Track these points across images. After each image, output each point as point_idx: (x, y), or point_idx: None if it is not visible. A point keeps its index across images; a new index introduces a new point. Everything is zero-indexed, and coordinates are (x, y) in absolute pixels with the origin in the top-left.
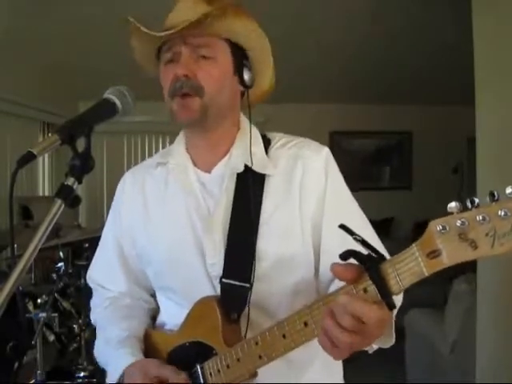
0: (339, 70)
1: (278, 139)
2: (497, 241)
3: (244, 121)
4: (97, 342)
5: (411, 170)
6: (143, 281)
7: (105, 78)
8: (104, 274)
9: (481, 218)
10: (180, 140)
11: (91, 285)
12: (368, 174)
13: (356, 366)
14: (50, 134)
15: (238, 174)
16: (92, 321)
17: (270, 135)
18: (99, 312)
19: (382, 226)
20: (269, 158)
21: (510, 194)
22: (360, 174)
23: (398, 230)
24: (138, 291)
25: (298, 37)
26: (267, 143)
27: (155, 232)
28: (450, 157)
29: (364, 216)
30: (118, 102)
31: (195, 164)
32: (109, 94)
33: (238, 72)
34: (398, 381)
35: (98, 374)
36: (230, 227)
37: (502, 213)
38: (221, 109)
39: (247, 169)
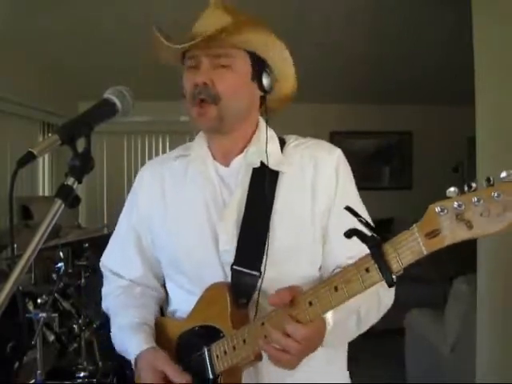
0: (339, 69)
1: (293, 140)
2: (490, 221)
3: (262, 122)
4: (112, 329)
5: (411, 169)
6: (156, 268)
7: (105, 79)
8: (119, 260)
9: (475, 199)
10: (201, 135)
11: (103, 271)
12: (368, 173)
13: (356, 366)
14: (50, 134)
15: (254, 169)
16: (104, 308)
17: (285, 137)
18: (111, 300)
19: (382, 226)
20: (284, 156)
21: (503, 177)
22: (360, 173)
23: (399, 230)
24: (150, 278)
25: (298, 37)
26: (282, 143)
27: (172, 219)
28: (450, 156)
29: (369, 219)
30: (117, 102)
31: (215, 158)
32: (108, 95)
33: (258, 78)
34: (398, 381)
35: (98, 373)
36: (243, 217)
37: (495, 194)
38: (237, 113)
39: (263, 165)
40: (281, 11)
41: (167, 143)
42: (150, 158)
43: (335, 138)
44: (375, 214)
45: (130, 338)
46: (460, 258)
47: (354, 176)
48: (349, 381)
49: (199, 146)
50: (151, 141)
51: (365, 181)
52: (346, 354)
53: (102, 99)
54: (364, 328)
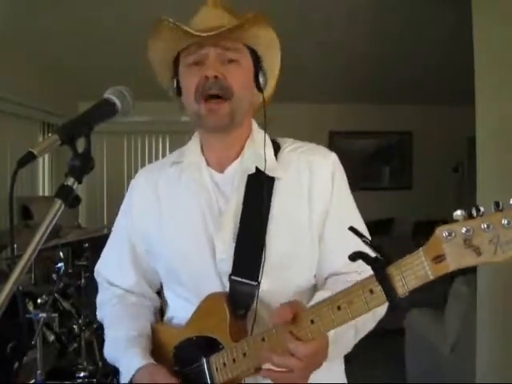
0: (340, 69)
1: (288, 145)
2: (499, 248)
3: (255, 124)
4: (106, 340)
5: (411, 169)
6: (150, 277)
7: (105, 78)
8: (113, 268)
9: (485, 225)
10: (195, 140)
11: (98, 280)
12: (368, 174)
13: (356, 366)
14: (49, 134)
15: (249, 176)
16: (99, 317)
17: (280, 140)
18: (107, 310)
19: (382, 226)
20: (278, 162)
21: None
22: (360, 173)
23: (399, 230)
24: (144, 286)
25: (300, 36)
26: (277, 148)
27: (167, 227)
28: (450, 156)
29: (364, 224)
30: (117, 102)
31: (209, 164)
32: (109, 95)
33: (255, 77)
34: (398, 381)
35: (98, 373)
36: (239, 225)
37: (506, 222)
38: (245, 111)
39: (258, 171)
40: (282, 10)
41: (167, 143)
42: (150, 157)
43: (334, 138)
44: (375, 214)
45: (127, 352)
46: None
47: (354, 176)
48: (345, 379)
49: (193, 152)
50: (151, 141)
51: (365, 181)
52: None
53: (102, 99)
54: (360, 337)
